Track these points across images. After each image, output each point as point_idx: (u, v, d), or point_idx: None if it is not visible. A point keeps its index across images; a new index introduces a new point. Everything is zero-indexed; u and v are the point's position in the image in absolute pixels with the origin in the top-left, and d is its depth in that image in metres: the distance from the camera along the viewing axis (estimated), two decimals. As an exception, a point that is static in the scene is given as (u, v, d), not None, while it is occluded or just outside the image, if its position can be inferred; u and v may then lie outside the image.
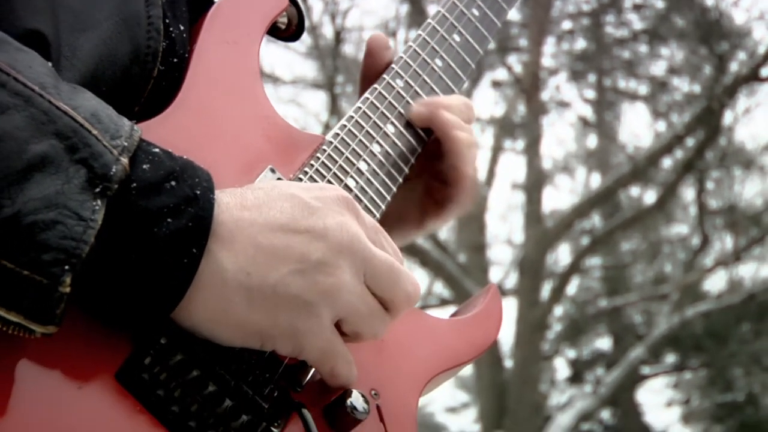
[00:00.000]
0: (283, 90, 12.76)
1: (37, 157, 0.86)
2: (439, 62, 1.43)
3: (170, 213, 0.92)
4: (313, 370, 1.09)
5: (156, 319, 0.95)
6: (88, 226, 0.86)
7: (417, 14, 12.06)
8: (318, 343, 1.01)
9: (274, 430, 1.03)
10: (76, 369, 0.92)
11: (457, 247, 13.23)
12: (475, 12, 1.49)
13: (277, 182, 1.05)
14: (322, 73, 12.80)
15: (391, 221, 1.31)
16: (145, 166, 0.94)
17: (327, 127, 12.76)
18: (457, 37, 1.46)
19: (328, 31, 12.39)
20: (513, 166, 21.59)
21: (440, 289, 13.23)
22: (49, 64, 0.97)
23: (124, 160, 0.91)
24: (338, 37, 12.40)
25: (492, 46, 1.58)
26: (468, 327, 1.33)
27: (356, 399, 1.08)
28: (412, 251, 11.12)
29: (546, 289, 12.54)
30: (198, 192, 0.95)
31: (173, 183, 0.94)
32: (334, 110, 12.62)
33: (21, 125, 0.86)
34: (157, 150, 0.97)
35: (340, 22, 12.57)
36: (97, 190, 0.88)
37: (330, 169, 1.22)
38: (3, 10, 1.02)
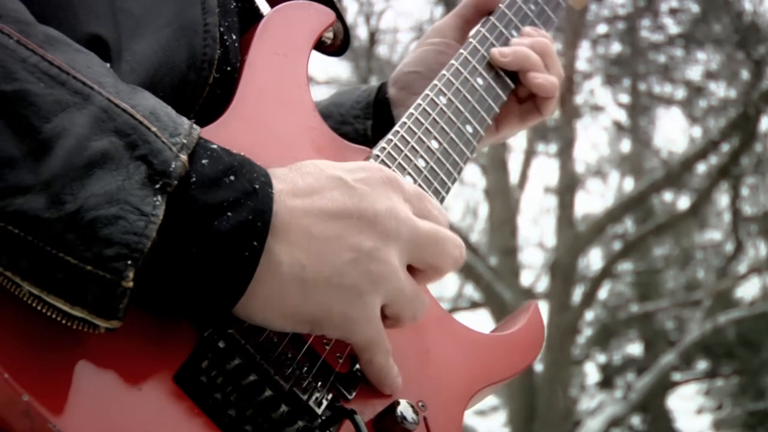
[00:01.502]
0: (317, 91, 12.78)
1: (97, 153, 0.87)
2: (480, 81, 1.46)
3: (230, 207, 0.93)
4: (363, 380, 1.11)
5: (218, 313, 0.97)
6: (150, 221, 0.87)
7: (451, 16, 12.04)
8: (368, 331, 1.03)
9: None
10: (136, 370, 0.94)
11: (489, 250, 13.20)
12: (514, 33, 1.56)
13: (323, 165, 1.05)
14: (356, 74, 12.81)
15: None
16: (204, 161, 0.95)
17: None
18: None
19: (362, 33, 12.41)
20: (546, 169, 21.54)
21: (471, 291, 13.20)
22: (108, 65, 0.99)
23: (184, 157, 0.92)
24: (372, 38, 12.42)
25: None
26: (511, 343, 1.34)
27: (406, 409, 1.09)
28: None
29: (577, 294, 12.47)
30: (257, 186, 0.96)
31: (232, 177, 0.95)
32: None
33: (81, 122, 0.88)
34: (215, 146, 0.98)
35: (375, 23, 12.59)
36: (158, 186, 0.89)
37: None
38: (65, 15, 1.04)
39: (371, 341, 1.05)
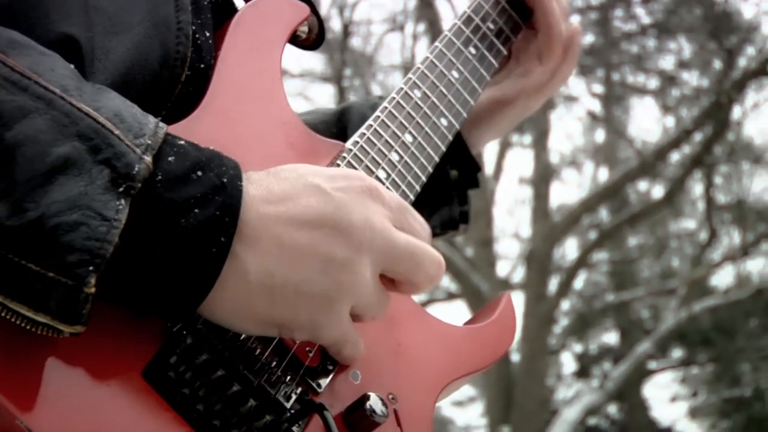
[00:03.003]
0: (292, 83, 12.77)
1: (60, 159, 0.87)
2: (455, 74, 1.45)
3: (197, 203, 0.92)
4: (332, 373, 1.11)
5: (183, 312, 0.96)
6: (112, 226, 0.87)
7: (425, 8, 12.06)
8: (334, 333, 1.03)
9: (295, 430, 1.04)
10: (104, 367, 0.93)
11: (465, 242, 13.24)
12: (491, 26, 1.54)
13: (303, 170, 1.04)
14: (330, 67, 12.83)
15: (491, 108, 1.58)
16: (170, 159, 0.94)
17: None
18: (473, 50, 1.50)
19: (336, 25, 12.40)
20: (521, 160, 21.65)
21: (447, 282, 13.24)
22: (72, 66, 0.97)
23: (148, 159, 0.91)
24: (346, 30, 12.41)
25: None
26: (483, 335, 1.34)
27: (375, 402, 1.09)
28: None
29: (553, 284, 12.56)
30: (225, 180, 0.95)
31: (199, 173, 0.94)
32: (342, 103, 12.61)
33: (43, 128, 0.87)
34: (182, 142, 0.97)
35: (348, 15, 12.58)
36: (121, 189, 0.88)
37: None
38: (37, 14, 1.03)
39: (337, 340, 1.06)
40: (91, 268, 0.85)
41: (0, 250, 0.84)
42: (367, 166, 1.26)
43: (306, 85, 13.60)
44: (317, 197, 1.01)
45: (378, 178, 1.26)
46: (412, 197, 1.30)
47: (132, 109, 0.95)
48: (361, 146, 1.27)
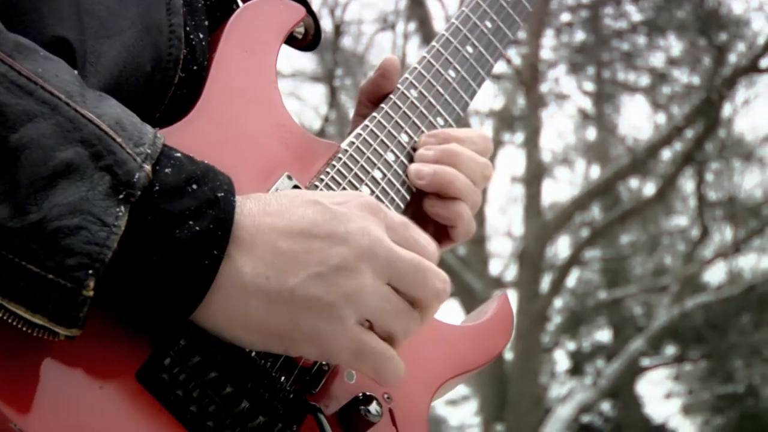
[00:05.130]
0: (283, 83, 12.70)
1: (62, 164, 0.88)
2: (452, 73, 1.44)
3: (192, 216, 0.93)
4: (327, 374, 1.11)
5: (176, 321, 0.96)
6: (112, 232, 0.88)
7: (416, 7, 12.07)
8: (344, 344, 1.00)
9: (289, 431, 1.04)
10: (98, 369, 0.93)
11: (457, 240, 13.23)
12: (489, 24, 1.51)
13: (302, 191, 1.06)
14: (321, 67, 12.84)
15: None
16: (167, 170, 0.95)
17: (326, 120, 12.78)
18: (470, 49, 1.47)
19: (327, 25, 12.39)
20: (512, 158, 21.67)
21: (440, 281, 13.23)
22: (75, 71, 0.98)
23: (147, 167, 0.92)
24: (337, 30, 12.41)
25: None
26: (479, 334, 1.34)
27: (370, 403, 1.10)
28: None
29: (546, 282, 12.57)
30: (220, 195, 0.96)
31: (194, 186, 0.95)
32: (333, 103, 12.65)
33: (47, 133, 0.88)
34: (179, 155, 0.98)
35: (340, 15, 12.58)
36: (121, 196, 0.90)
37: (345, 177, 1.23)
38: (31, 17, 1.04)
39: (356, 353, 1.02)
40: (90, 271, 0.86)
41: (0, 251, 0.84)
42: (362, 166, 1.26)
43: (297, 85, 13.60)
44: (314, 208, 1.01)
45: (374, 179, 1.26)
46: (408, 197, 1.30)
47: (132, 118, 0.96)
48: (357, 147, 1.27)
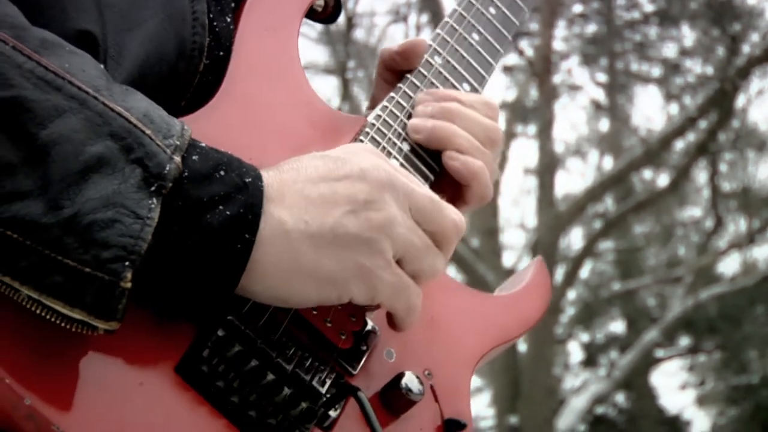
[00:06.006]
0: (295, 76, 12.70)
1: (93, 158, 0.88)
2: (476, 36, 1.43)
3: (221, 200, 0.94)
4: (366, 353, 1.11)
5: (217, 299, 0.97)
6: (146, 224, 0.88)
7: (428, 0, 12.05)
8: (388, 277, 1.03)
9: (332, 414, 1.04)
10: (137, 364, 0.94)
11: (470, 232, 13.22)
12: None
13: (304, 154, 1.07)
14: (333, 59, 12.80)
15: None
16: (194, 158, 0.96)
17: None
18: (493, 10, 1.46)
19: (339, 17, 12.36)
20: (525, 150, 21.60)
21: (453, 273, 13.25)
22: (101, 65, 0.99)
23: (177, 159, 0.93)
24: (350, 22, 12.39)
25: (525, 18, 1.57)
26: (517, 302, 1.33)
27: (411, 380, 1.09)
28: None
29: (559, 273, 12.53)
30: (248, 180, 0.97)
31: (222, 172, 0.97)
32: (346, 95, 12.61)
33: (77, 127, 0.89)
34: (203, 145, 0.99)
35: (352, 7, 12.55)
36: (153, 188, 0.90)
37: None
38: (54, 12, 1.05)
39: (396, 289, 1.04)
40: (126, 263, 0.87)
41: (36, 247, 0.85)
42: (390, 139, 1.26)
43: (309, 77, 13.51)
44: (323, 160, 1.04)
45: (401, 150, 1.26)
46: (436, 167, 1.29)
47: (159, 111, 0.97)
48: (384, 120, 1.27)
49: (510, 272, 12.85)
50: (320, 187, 1.01)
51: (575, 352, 15.76)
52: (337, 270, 1.00)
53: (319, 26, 11.72)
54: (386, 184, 1.03)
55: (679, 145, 12.71)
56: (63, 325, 0.87)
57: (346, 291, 1.01)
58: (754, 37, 11.82)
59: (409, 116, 1.29)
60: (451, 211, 1.09)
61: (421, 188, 1.07)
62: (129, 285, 0.87)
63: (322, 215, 0.99)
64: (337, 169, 1.03)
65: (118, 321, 0.88)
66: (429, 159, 1.28)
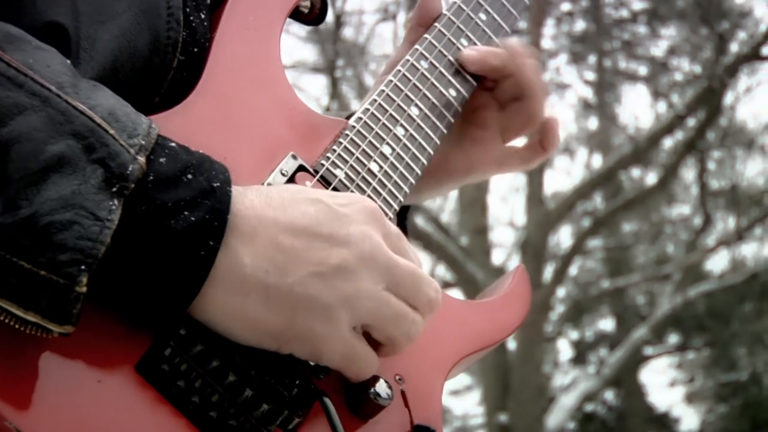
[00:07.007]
0: (283, 75, 12.70)
1: (54, 157, 0.86)
2: (465, 42, 1.40)
3: (187, 206, 0.92)
4: None
5: (173, 312, 0.95)
6: (105, 227, 0.86)
7: (416, -3, 12.03)
8: (337, 347, 1.00)
9: (296, 419, 1.02)
10: (97, 362, 0.92)
11: (459, 230, 13.23)
12: None
13: (306, 187, 1.05)
14: (322, 57, 12.79)
15: (437, 172, 1.39)
16: (161, 160, 0.93)
17: (328, 111, 12.75)
18: (483, 16, 1.44)
19: (328, 15, 12.35)
20: (514, 148, 21.57)
21: (443, 271, 13.24)
22: (68, 61, 0.97)
23: (141, 159, 0.91)
24: (338, 21, 12.37)
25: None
26: (495, 309, 1.31)
27: (380, 386, 1.06)
28: (414, 235, 11.11)
29: (548, 271, 12.54)
30: (215, 185, 0.95)
31: (189, 176, 0.94)
32: (335, 94, 12.61)
33: (38, 126, 0.86)
34: (173, 144, 0.96)
35: (340, 5, 12.55)
36: (114, 189, 0.88)
37: (353, 154, 1.20)
38: (25, 3, 1.02)
39: (345, 358, 1.02)
40: (83, 267, 0.85)
41: None
42: (370, 142, 1.23)
43: (298, 76, 13.54)
44: (316, 207, 1.01)
45: (382, 154, 1.23)
46: (418, 171, 1.27)
47: (126, 108, 0.94)
48: (365, 122, 1.24)
49: (499, 270, 12.86)
50: (297, 239, 0.97)
51: (564, 349, 15.82)
52: (282, 328, 0.97)
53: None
54: (367, 256, 1.00)
55: (668, 143, 12.75)
56: (17, 326, 0.85)
57: (287, 347, 0.99)
58: (742, 35, 11.87)
59: (391, 119, 1.27)
60: (428, 287, 1.06)
61: (403, 262, 1.04)
62: (84, 289, 0.85)
63: (286, 269, 0.96)
64: (325, 223, 1.00)
65: (72, 325, 0.86)
66: (412, 163, 1.27)
